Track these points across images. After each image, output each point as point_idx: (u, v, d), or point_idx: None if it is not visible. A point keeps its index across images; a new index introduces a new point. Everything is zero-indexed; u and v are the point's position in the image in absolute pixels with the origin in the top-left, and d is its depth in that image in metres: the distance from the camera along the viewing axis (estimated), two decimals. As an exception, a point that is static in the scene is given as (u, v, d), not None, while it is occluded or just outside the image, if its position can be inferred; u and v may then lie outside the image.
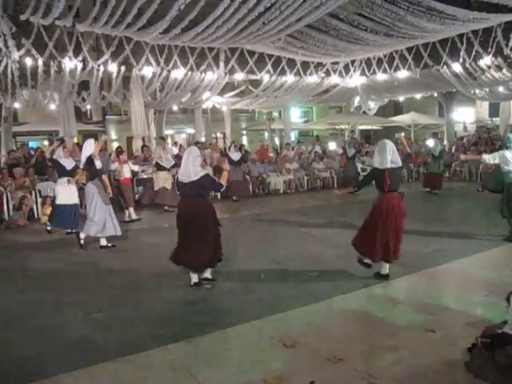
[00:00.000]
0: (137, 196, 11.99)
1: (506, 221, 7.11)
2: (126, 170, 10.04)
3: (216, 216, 5.39)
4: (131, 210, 9.98)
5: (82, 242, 7.26)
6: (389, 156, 5.18)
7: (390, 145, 5.25)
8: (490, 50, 12.20)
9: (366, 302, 4.75)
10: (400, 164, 5.32)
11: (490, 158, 7.24)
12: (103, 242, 7.37)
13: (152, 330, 4.23)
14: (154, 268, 6.14)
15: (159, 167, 10.99)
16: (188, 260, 5.24)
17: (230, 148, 13.18)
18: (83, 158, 7.25)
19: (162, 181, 10.86)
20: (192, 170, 5.17)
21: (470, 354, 3.42)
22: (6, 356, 3.79)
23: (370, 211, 5.44)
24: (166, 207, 10.88)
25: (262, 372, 3.36)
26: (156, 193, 10.96)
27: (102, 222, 7.22)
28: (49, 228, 8.61)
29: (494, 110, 21.80)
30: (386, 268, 5.37)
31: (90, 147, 7.22)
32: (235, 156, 12.51)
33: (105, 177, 7.62)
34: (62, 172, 8.18)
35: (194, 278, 5.32)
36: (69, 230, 8.44)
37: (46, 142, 22.61)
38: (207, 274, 5.40)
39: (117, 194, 9.62)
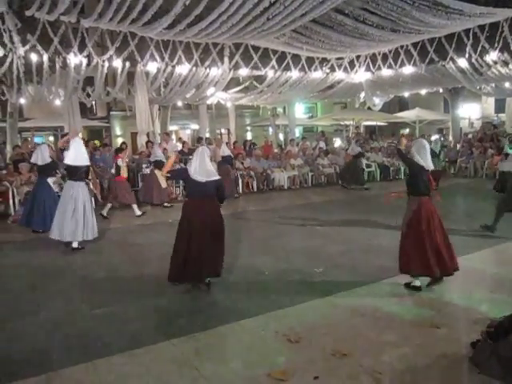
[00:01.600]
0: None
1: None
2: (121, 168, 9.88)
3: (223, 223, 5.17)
4: (109, 205, 9.68)
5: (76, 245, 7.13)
6: (429, 157, 5.02)
7: (428, 145, 5.13)
8: (496, 45, 12.12)
9: (371, 298, 4.74)
10: (432, 167, 5.11)
11: None
12: (54, 237, 7.04)
13: (156, 325, 4.26)
14: (156, 263, 6.14)
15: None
16: (200, 270, 4.95)
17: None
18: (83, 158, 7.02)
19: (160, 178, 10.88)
20: (211, 168, 5.08)
21: (473, 349, 3.42)
22: (12, 350, 3.82)
23: (406, 223, 4.97)
24: (165, 203, 11.04)
25: (267, 367, 3.37)
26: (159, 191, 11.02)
27: (75, 224, 6.91)
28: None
29: (499, 106, 21.69)
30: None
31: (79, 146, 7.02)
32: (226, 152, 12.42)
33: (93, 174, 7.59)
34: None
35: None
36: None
37: (51, 138, 22.72)
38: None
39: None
